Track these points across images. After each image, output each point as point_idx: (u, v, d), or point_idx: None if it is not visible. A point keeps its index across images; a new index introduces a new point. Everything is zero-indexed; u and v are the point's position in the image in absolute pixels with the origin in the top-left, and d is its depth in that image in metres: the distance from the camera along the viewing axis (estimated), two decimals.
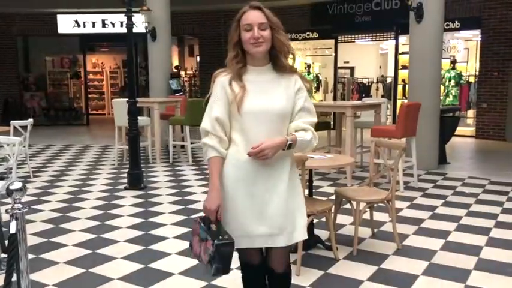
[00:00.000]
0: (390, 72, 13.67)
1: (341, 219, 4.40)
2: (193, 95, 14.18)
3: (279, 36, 2.07)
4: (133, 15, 5.97)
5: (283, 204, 2.08)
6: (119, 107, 7.19)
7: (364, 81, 14.80)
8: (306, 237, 2.20)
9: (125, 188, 6.00)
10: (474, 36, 11.05)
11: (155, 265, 3.59)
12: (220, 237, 1.96)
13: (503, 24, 9.96)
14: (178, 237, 4.21)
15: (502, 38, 10.00)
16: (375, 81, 14.67)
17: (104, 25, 13.28)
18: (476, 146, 9.91)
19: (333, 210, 3.79)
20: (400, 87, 11.83)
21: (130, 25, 5.92)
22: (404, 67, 10.91)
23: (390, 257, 3.74)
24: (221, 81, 2.08)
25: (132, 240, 4.13)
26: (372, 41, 13.34)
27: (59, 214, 4.94)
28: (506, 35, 9.95)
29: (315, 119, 2.15)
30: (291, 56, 2.13)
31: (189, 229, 4.37)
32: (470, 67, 11.88)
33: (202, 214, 2.08)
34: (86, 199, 5.54)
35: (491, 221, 4.61)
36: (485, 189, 5.93)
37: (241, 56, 2.09)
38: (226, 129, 2.06)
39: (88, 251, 3.88)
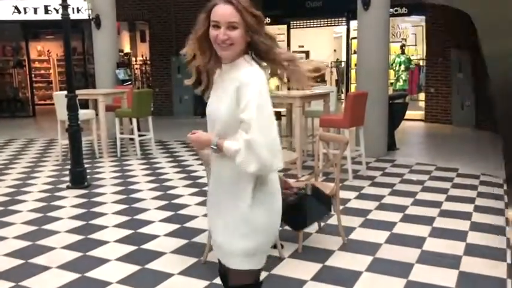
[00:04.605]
0: (344, 57, 13.73)
1: None
2: (145, 83, 13.79)
3: (258, 40, 1.78)
4: (69, 5, 5.64)
5: (221, 220, 1.92)
6: (60, 100, 6.83)
7: None
8: (238, 267, 1.92)
9: (67, 187, 5.72)
10: (422, 20, 11.19)
11: (92, 274, 3.42)
12: None
13: (445, 12, 10.10)
14: (119, 241, 4.04)
15: (444, 26, 10.15)
16: (329, 65, 14.70)
17: (46, 11, 12.61)
18: (425, 130, 10.12)
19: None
20: (353, 72, 11.90)
21: (66, 15, 5.62)
22: (356, 52, 10.95)
23: (335, 252, 3.72)
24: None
25: (69, 247, 3.92)
26: (324, 26, 13.31)
27: None
28: (446, 24, 10.09)
29: (254, 136, 1.69)
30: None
31: (132, 231, 4.24)
32: (420, 51, 12.06)
33: None
34: (24, 201, 5.24)
35: (435, 210, 4.68)
36: (432, 175, 6.03)
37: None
38: None
39: (20, 261, 3.65)
